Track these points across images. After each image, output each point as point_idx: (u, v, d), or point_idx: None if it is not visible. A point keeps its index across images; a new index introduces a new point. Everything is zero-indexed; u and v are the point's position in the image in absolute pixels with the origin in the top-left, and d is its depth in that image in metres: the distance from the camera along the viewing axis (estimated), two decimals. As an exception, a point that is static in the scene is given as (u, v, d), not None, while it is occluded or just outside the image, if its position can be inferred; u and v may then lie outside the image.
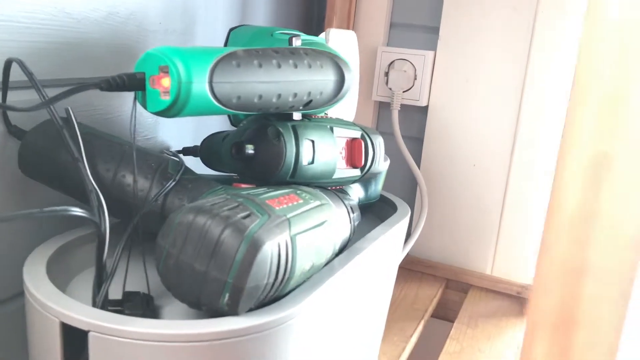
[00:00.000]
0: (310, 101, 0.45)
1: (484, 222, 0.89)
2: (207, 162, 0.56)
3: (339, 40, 0.64)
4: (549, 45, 0.82)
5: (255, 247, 0.34)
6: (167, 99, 0.35)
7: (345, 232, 0.46)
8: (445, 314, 0.89)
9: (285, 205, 0.39)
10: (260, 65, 0.39)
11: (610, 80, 0.42)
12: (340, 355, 0.48)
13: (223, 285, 0.34)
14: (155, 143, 0.62)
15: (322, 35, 0.64)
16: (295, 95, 0.43)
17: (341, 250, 0.46)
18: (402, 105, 0.91)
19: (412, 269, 0.92)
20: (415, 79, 0.89)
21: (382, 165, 0.55)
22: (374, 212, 0.64)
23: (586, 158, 0.44)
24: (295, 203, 0.41)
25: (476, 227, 0.89)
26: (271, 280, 0.36)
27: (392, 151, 0.95)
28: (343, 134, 0.50)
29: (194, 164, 0.51)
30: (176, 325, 0.34)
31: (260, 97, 0.40)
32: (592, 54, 0.43)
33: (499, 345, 0.72)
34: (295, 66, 0.42)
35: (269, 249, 0.35)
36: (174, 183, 0.42)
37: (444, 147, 0.90)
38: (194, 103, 0.36)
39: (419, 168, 0.91)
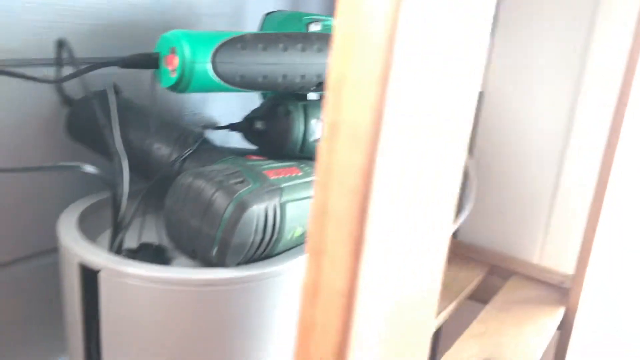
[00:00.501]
0: (322, 83, 0.49)
1: (534, 210, 0.89)
2: (246, 137, 0.61)
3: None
4: (609, 32, 0.80)
5: (241, 208, 0.39)
6: (174, 76, 0.40)
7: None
8: (485, 299, 0.90)
9: (282, 176, 0.44)
10: (264, 48, 0.44)
11: None
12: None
13: (213, 239, 0.39)
14: (202, 118, 0.68)
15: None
16: (302, 76, 0.47)
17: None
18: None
19: (457, 252, 0.94)
20: (469, 65, 0.90)
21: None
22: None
23: None
24: (293, 175, 0.45)
25: (526, 215, 0.90)
26: (257, 239, 0.40)
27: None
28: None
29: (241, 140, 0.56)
30: (169, 271, 0.39)
31: (264, 77, 0.44)
32: None
33: (526, 332, 0.73)
34: (303, 50, 0.46)
35: (255, 211, 0.40)
36: (190, 151, 0.47)
37: (498, 132, 0.90)
38: (198, 80, 0.41)
39: (472, 152, 0.92)
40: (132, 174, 0.47)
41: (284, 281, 0.42)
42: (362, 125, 0.14)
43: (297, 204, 0.43)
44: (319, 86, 0.49)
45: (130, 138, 0.48)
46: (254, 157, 0.48)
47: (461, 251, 0.94)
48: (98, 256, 0.40)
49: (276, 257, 0.43)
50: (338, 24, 0.14)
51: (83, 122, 0.49)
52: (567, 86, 0.84)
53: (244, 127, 0.50)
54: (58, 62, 0.49)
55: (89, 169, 0.38)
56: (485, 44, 0.19)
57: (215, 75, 0.41)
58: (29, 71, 0.49)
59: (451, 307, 0.78)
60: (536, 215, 0.89)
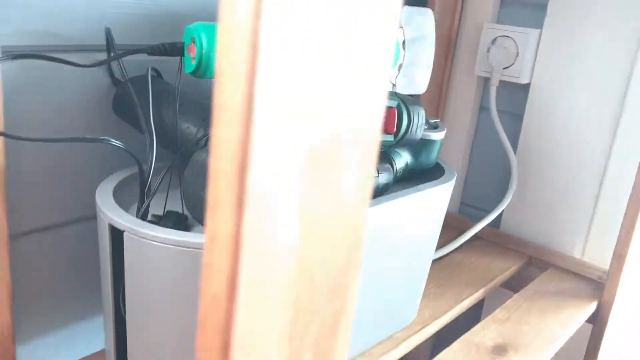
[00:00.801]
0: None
1: (578, 204, 0.89)
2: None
3: (409, 19, 0.70)
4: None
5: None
6: (194, 63, 0.45)
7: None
8: (518, 289, 0.91)
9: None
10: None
11: None
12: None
13: (220, 210, 0.44)
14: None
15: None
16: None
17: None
18: (503, 82, 0.93)
19: (497, 242, 0.95)
20: (517, 56, 0.90)
21: (420, 133, 0.61)
22: (429, 177, 0.69)
23: None
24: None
25: (569, 209, 0.89)
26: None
27: (487, 125, 0.98)
28: (376, 103, 0.57)
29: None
30: (183, 236, 0.45)
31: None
32: None
33: (550, 322, 0.74)
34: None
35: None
36: (214, 131, 0.52)
37: (544, 125, 0.90)
38: (214, 68, 0.46)
39: (518, 144, 0.93)
40: (164, 150, 0.53)
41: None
42: (237, 106, 0.19)
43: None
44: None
45: (164, 117, 0.54)
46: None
47: (501, 241, 0.95)
48: (123, 219, 0.46)
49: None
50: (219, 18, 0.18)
51: (125, 101, 0.55)
52: (616, 80, 0.83)
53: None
54: (107, 48, 0.55)
55: (115, 142, 0.44)
56: (392, 30, 0.22)
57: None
58: (83, 56, 0.56)
59: (477, 294, 0.80)
60: (580, 210, 0.88)
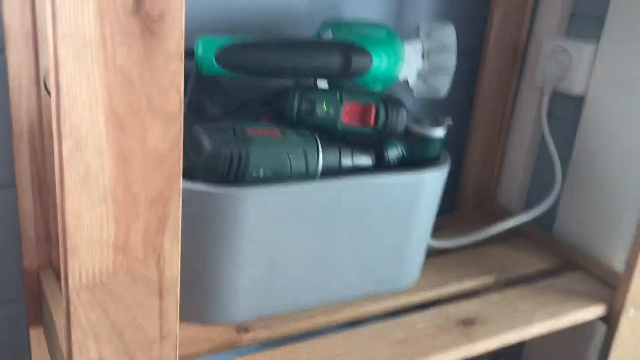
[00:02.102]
0: (318, 74, 0.69)
1: (624, 214, 0.92)
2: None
3: (429, 31, 0.83)
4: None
5: (212, 148, 0.63)
6: (197, 64, 0.66)
7: (312, 165, 0.69)
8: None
9: (259, 135, 0.67)
10: (263, 48, 0.67)
11: None
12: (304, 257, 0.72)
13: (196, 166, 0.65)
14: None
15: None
16: (294, 69, 0.68)
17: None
18: (557, 93, 0.99)
19: (535, 238, 1.01)
20: (571, 68, 0.96)
21: (399, 128, 0.74)
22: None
23: None
24: (271, 135, 0.67)
25: (614, 218, 0.92)
26: (225, 171, 0.64)
27: (538, 134, 1.04)
28: (356, 101, 0.73)
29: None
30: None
31: (262, 69, 0.67)
32: None
33: (538, 311, 0.81)
34: (298, 50, 0.68)
35: (221, 153, 0.63)
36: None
37: (597, 137, 0.95)
38: (209, 69, 0.66)
39: (571, 156, 0.98)
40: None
41: (250, 204, 0.65)
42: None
43: (265, 152, 0.65)
44: (317, 75, 0.70)
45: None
46: (263, 122, 0.71)
47: (545, 241, 1.01)
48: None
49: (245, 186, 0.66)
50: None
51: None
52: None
53: (264, 102, 0.74)
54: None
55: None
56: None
57: (220, 66, 0.66)
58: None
59: (488, 279, 0.89)
60: (625, 220, 0.91)
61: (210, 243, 0.67)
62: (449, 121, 0.83)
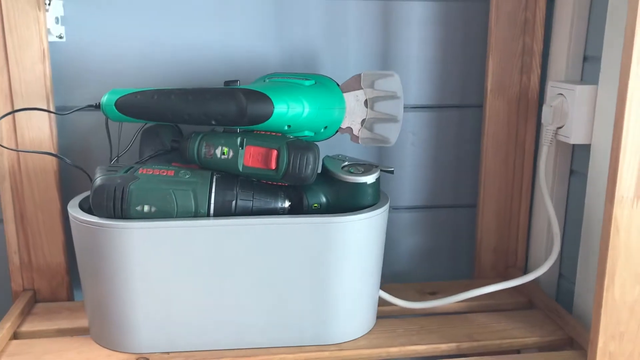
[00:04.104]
0: (213, 121, 0.73)
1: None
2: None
3: (372, 81, 0.81)
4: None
5: (99, 183, 0.70)
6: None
7: (202, 204, 0.72)
8: None
9: (150, 173, 0.72)
10: (154, 97, 0.73)
11: None
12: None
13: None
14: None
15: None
16: (189, 115, 0.73)
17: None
18: (557, 141, 0.88)
19: (545, 309, 0.88)
20: (568, 114, 0.85)
21: (306, 173, 0.73)
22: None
23: None
24: (163, 174, 0.72)
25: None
26: (109, 204, 0.70)
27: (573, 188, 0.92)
28: (260, 144, 0.74)
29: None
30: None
31: (156, 115, 0.73)
32: None
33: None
34: (190, 99, 0.73)
35: (105, 188, 0.70)
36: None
37: (602, 187, 0.82)
38: (112, 115, 0.74)
39: (573, 207, 0.85)
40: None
41: (136, 237, 0.70)
42: None
43: (147, 189, 0.71)
44: (212, 123, 0.74)
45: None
46: (174, 164, 0.77)
47: (550, 312, 0.87)
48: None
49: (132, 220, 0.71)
50: None
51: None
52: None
53: (172, 147, 0.79)
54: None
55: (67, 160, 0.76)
56: None
57: (120, 113, 0.74)
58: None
59: (441, 347, 0.80)
60: None
61: (108, 274, 0.73)
62: (384, 168, 0.80)
